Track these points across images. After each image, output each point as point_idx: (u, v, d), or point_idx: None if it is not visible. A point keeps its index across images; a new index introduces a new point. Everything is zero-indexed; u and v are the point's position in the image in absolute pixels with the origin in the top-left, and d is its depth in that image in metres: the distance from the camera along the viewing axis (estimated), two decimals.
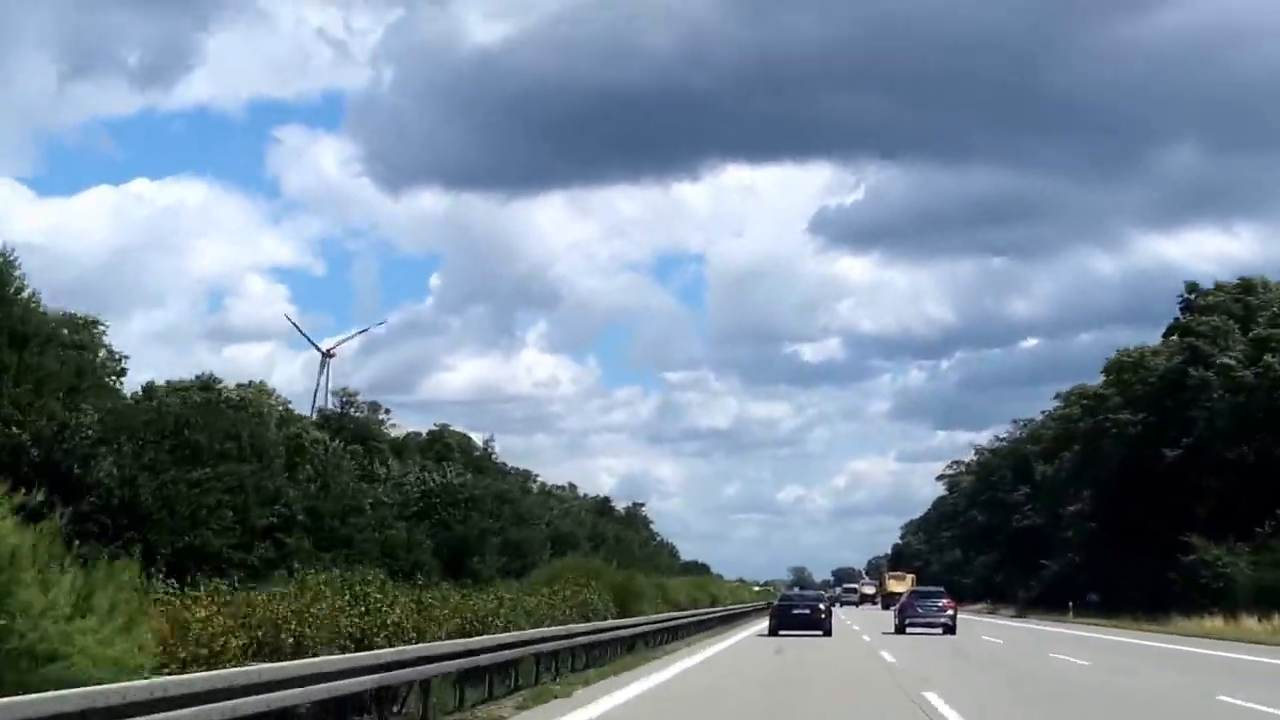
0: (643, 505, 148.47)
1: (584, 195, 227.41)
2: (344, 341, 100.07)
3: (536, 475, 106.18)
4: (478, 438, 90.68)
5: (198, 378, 58.18)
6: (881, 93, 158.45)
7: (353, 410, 73.36)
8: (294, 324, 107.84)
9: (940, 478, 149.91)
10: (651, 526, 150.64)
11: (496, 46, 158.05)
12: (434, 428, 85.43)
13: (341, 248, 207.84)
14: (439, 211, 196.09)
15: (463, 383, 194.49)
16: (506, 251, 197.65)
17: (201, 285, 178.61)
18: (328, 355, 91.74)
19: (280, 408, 61.09)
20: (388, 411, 78.01)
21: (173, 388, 52.46)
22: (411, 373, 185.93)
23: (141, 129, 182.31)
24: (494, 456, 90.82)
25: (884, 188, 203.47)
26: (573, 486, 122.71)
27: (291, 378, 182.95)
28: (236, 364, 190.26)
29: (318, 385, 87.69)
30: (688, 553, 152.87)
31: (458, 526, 54.03)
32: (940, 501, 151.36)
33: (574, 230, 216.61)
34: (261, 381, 65.64)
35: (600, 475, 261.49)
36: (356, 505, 44.97)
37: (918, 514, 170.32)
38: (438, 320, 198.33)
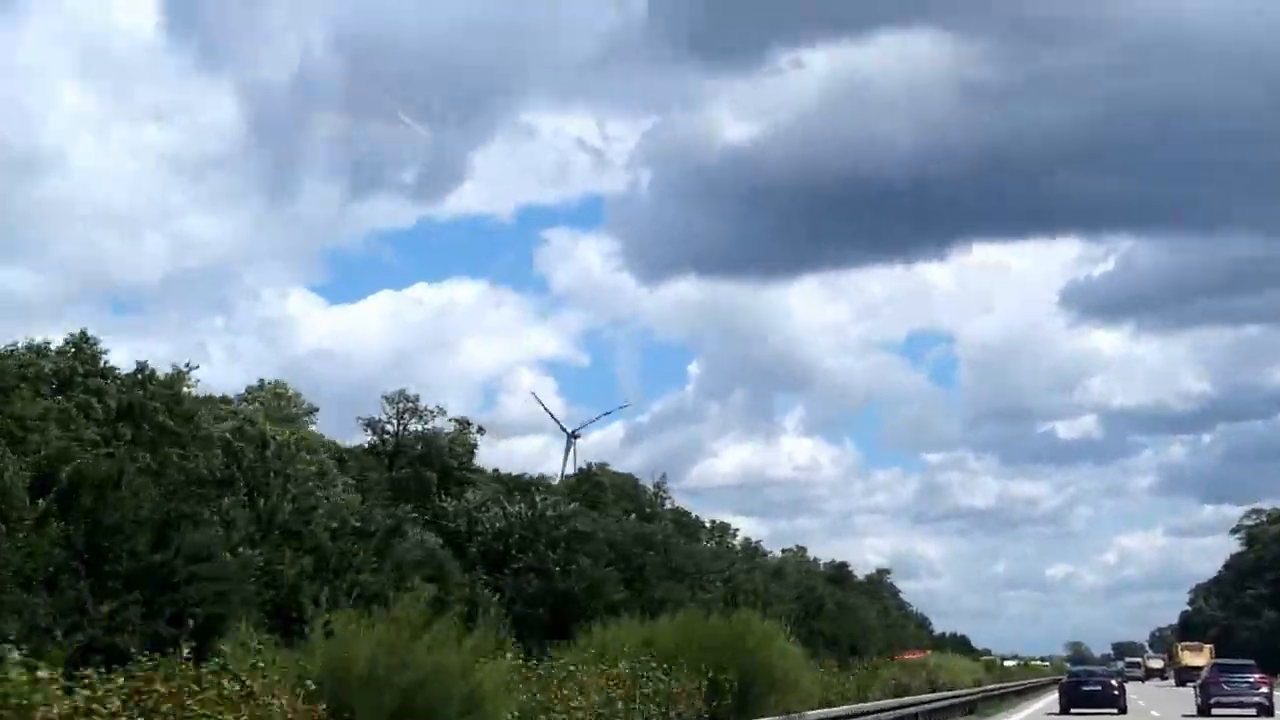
0: (887, 573, 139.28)
1: (834, 278, 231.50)
2: (590, 423, 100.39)
3: (734, 529, 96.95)
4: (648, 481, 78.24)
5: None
6: (1126, 168, 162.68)
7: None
8: (541, 403, 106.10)
9: (1235, 530, 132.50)
10: (900, 596, 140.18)
11: (746, 144, 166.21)
12: (583, 466, 72.41)
13: (604, 339, 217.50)
14: (695, 300, 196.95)
15: (727, 468, 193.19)
16: (761, 336, 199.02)
17: (476, 380, 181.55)
18: (573, 436, 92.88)
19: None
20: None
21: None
22: (676, 460, 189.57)
23: (419, 237, 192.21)
24: (665, 501, 78.20)
25: (1134, 258, 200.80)
26: (801, 549, 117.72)
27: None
28: (512, 459, 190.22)
29: (563, 467, 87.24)
30: (956, 629, 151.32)
31: (558, 576, 40.23)
32: (1238, 559, 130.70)
33: (826, 313, 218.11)
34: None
35: (866, 555, 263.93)
36: None
37: (1189, 586, 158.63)
38: (698, 406, 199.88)
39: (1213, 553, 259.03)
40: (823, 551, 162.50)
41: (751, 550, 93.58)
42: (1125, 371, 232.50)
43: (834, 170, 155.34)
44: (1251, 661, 44.75)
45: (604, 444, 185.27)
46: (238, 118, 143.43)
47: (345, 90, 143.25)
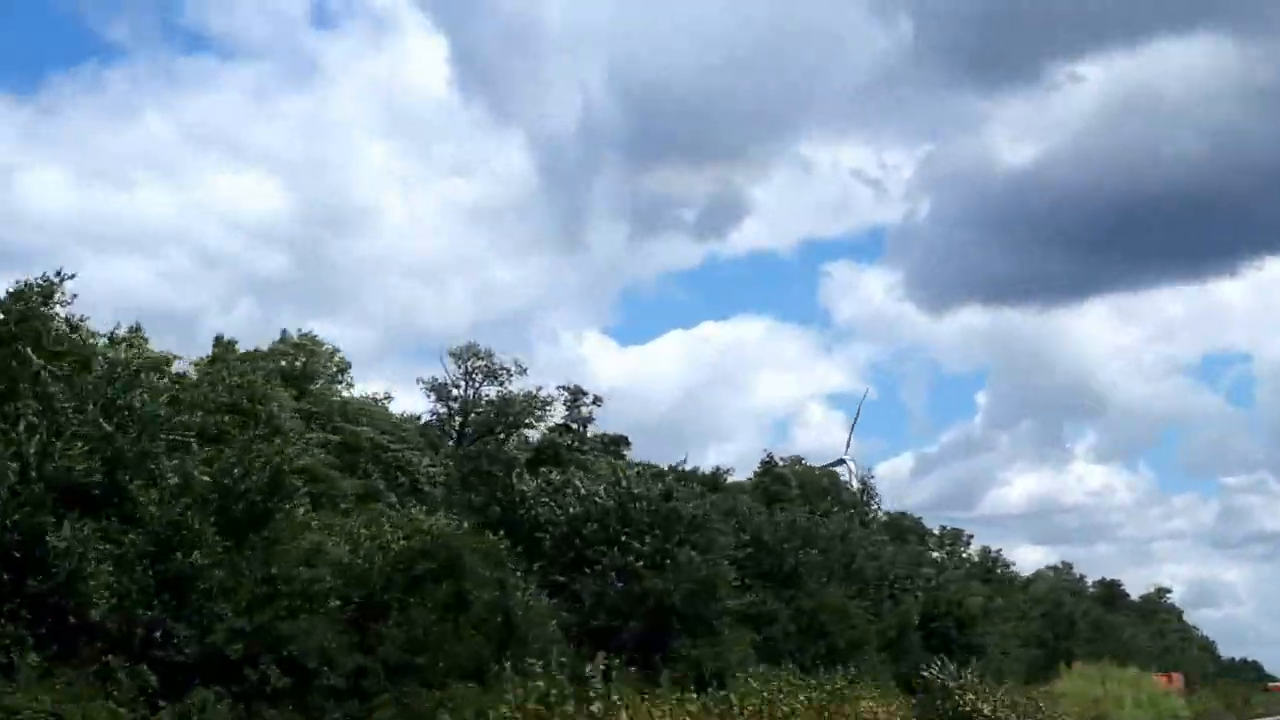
0: (1167, 592, 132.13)
1: (1120, 301, 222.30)
2: (848, 442, 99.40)
3: (969, 536, 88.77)
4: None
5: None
6: None
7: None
8: (851, 428, 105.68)
9: None
10: (1184, 619, 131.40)
11: (1026, 165, 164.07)
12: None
13: (889, 371, 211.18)
14: (980, 328, 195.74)
15: (1017, 497, 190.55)
16: (1050, 363, 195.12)
17: (766, 416, 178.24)
18: (840, 463, 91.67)
19: None
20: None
21: None
22: (967, 490, 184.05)
23: (705, 275, 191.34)
24: (874, 501, 70.21)
25: None
26: (1067, 565, 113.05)
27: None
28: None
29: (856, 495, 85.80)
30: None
31: (650, 578, 31.95)
32: None
33: (1114, 337, 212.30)
34: None
35: (1164, 582, 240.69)
36: None
37: None
38: (987, 436, 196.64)
39: None
40: (1128, 580, 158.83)
41: (990, 563, 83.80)
42: None
43: (1118, 187, 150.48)
44: None
45: (893, 475, 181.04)
46: (528, 167, 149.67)
47: (627, 133, 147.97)
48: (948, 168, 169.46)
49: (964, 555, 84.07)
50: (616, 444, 46.46)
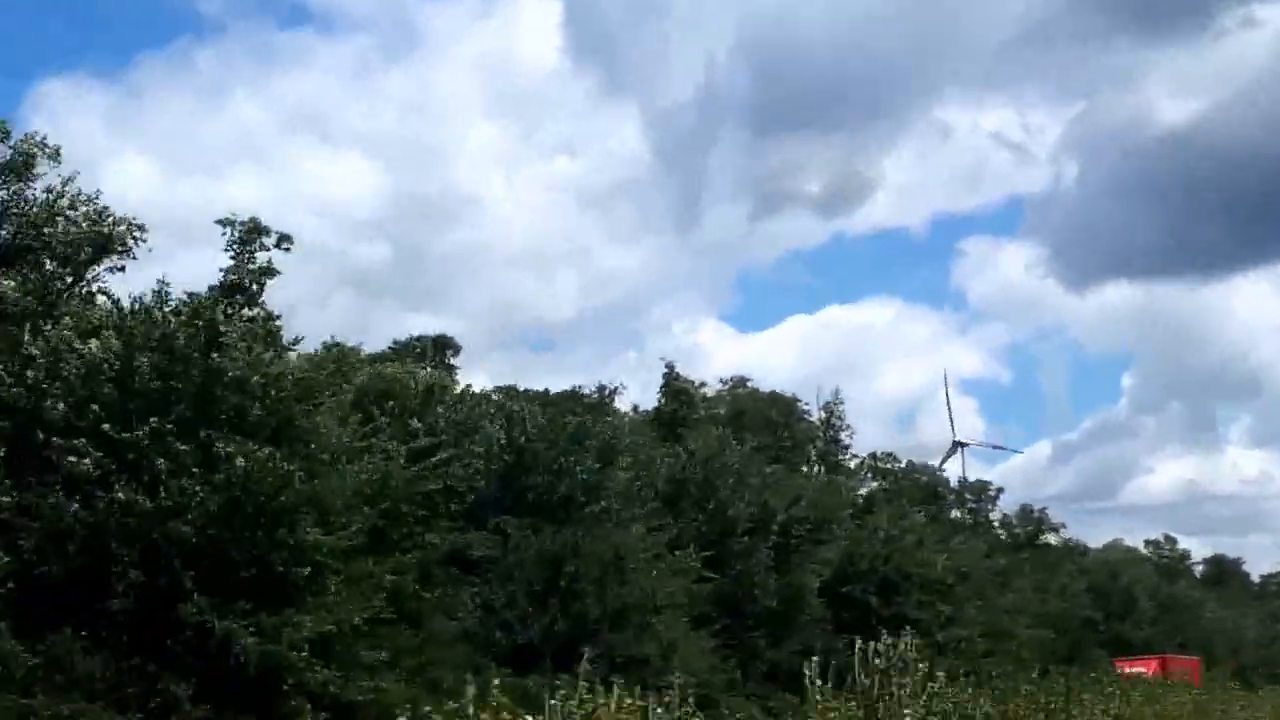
0: None
1: None
2: (974, 445, 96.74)
3: (997, 489, 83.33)
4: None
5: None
6: None
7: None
8: (948, 405, 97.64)
9: None
10: None
11: (1186, 123, 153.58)
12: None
13: (1027, 354, 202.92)
14: (1128, 305, 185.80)
15: (1164, 484, 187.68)
16: (1201, 341, 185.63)
17: (894, 404, 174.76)
18: (959, 445, 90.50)
19: None
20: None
21: None
22: (1108, 479, 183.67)
23: (830, 256, 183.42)
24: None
25: None
26: (1170, 539, 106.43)
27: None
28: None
29: (960, 470, 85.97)
30: None
31: None
32: None
33: (1274, 312, 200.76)
34: None
35: None
36: None
37: None
38: (1132, 420, 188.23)
39: None
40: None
41: (1031, 525, 72.56)
42: None
43: None
44: None
45: (1029, 463, 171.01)
46: (642, 142, 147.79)
47: (749, 103, 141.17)
48: (1099, 128, 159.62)
49: (990, 515, 73.42)
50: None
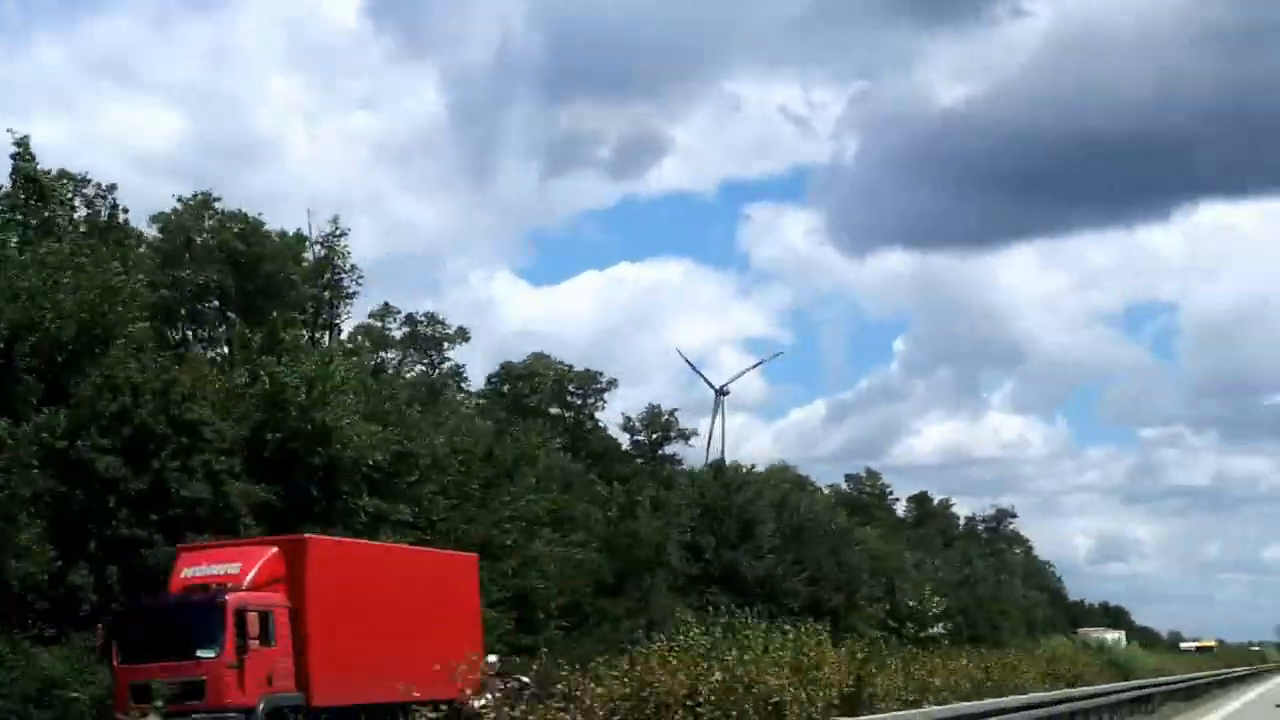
0: (1012, 515, 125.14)
1: (1047, 246, 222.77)
2: (739, 376, 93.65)
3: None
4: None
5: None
6: None
7: None
8: (686, 360, 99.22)
9: None
10: (1033, 554, 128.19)
11: (960, 106, 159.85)
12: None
13: (808, 317, 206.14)
14: (902, 273, 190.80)
15: (930, 447, 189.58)
16: (971, 310, 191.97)
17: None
18: (721, 393, 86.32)
19: None
20: None
21: None
22: (880, 438, 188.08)
23: (621, 216, 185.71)
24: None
25: None
26: (874, 473, 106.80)
27: (763, 446, 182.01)
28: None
29: (713, 427, 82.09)
30: (1164, 612, 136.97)
31: None
32: None
33: (1037, 284, 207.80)
34: None
35: (1075, 537, 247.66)
36: None
37: None
38: (903, 384, 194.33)
39: None
40: (1033, 535, 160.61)
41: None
42: None
43: (1053, 129, 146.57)
44: None
45: (804, 423, 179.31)
46: (439, 103, 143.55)
47: (544, 68, 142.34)
48: (878, 106, 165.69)
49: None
50: None
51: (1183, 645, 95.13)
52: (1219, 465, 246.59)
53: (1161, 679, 43.54)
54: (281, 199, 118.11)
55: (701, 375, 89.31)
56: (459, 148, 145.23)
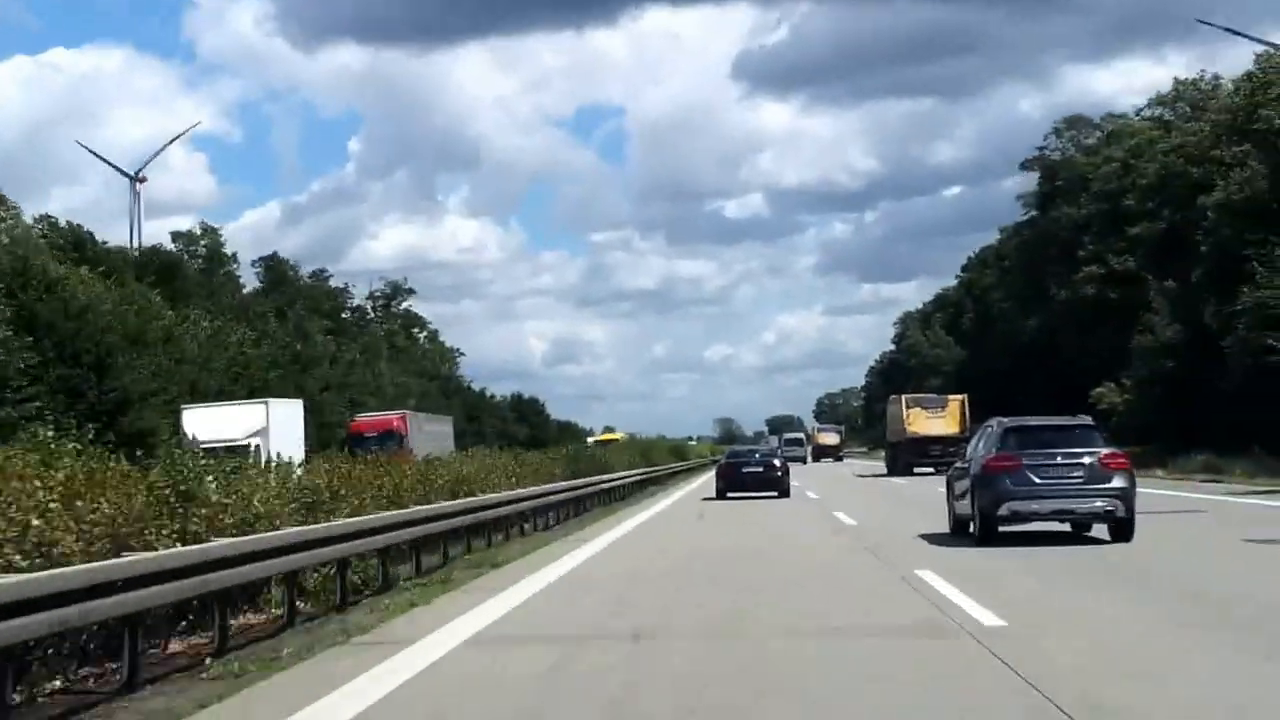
0: (410, 294, 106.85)
1: (501, 46, 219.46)
2: (155, 156, 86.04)
3: None
4: None
5: None
6: None
7: None
8: (92, 151, 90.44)
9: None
10: (438, 338, 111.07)
11: None
12: None
13: (258, 112, 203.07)
14: (357, 70, 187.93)
15: (388, 251, 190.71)
16: (426, 110, 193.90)
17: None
18: (138, 180, 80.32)
19: None
20: None
21: None
22: (336, 241, 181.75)
23: None
24: None
25: (806, 26, 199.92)
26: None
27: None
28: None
29: (132, 216, 77.13)
30: (618, 411, 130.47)
31: None
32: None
33: (491, 85, 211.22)
34: None
35: (529, 339, 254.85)
36: None
37: (848, 368, 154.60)
38: (359, 186, 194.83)
39: (867, 330, 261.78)
40: (489, 339, 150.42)
41: None
42: (794, 148, 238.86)
43: None
44: (1089, 421, 20.36)
45: (259, 225, 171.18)
46: None
47: None
48: None
49: None
50: None
51: (590, 439, 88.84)
52: (666, 269, 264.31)
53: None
54: None
55: (111, 164, 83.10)
56: None
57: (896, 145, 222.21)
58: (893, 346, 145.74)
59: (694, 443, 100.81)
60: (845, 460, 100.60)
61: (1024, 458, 18.34)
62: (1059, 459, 18.30)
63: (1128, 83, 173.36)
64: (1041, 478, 18.18)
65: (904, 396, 61.10)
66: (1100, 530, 18.93)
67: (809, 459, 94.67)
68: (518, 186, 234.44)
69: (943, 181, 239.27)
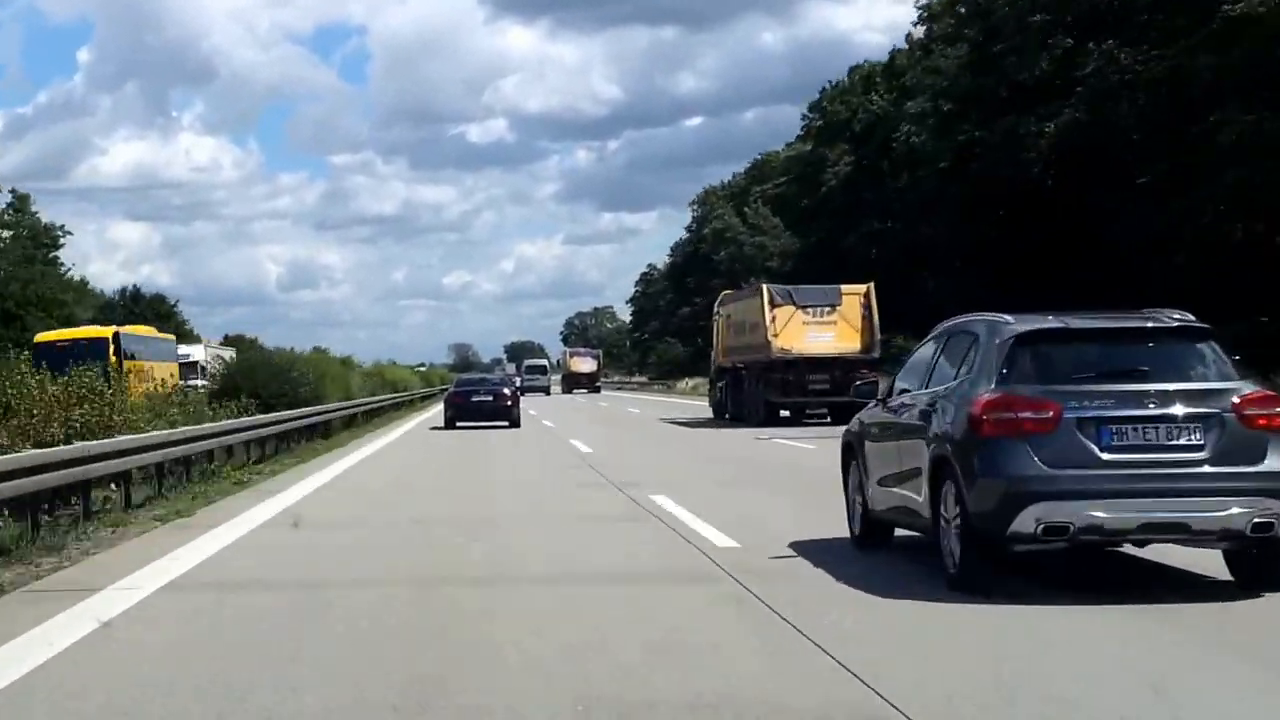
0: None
1: None
2: None
3: None
4: None
5: None
6: None
7: None
8: None
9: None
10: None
11: None
12: None
13: None
14: None
15: (118, 168, 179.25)
16: (161, 20, 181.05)
17: None
18: None
19: None
20: None
21: None
22: (62, 158, 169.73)
23: None
24: None
25: None
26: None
27: None
28: None
29: None
30: (354, 338, 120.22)
31: None
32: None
33: None
34: None
35: (265, 263, 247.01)
36: None
37: (586, 298, 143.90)
38: (88, 99, 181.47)
39: (607, 260, 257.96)
40: (222, 262, 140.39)
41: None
42: (539, 74, 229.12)
43: None
44: (1199, 324, 8.77)
45: None
46: None
47: None
48: None
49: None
50: None
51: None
52: (407, 194, 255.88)
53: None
54: None
55: None
56: None
57: (640, 75, 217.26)
58: (686, 235, 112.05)
59: (423, 369, 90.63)
60: (604, 391, 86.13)
61: (1068, 402, 8.24)
62: (1150, 406, 8.22)
63: (868, 19, 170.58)
64: (1112, 447, 8.11)
65: (766, 286, 35.79)
66: (1195, 555, 9.03)
67: (558, 389, 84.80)
68: (255, 105, 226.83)
69: (684, 112, 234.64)
